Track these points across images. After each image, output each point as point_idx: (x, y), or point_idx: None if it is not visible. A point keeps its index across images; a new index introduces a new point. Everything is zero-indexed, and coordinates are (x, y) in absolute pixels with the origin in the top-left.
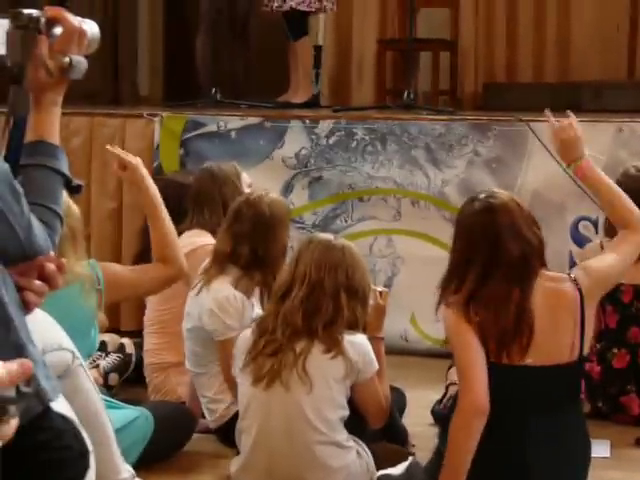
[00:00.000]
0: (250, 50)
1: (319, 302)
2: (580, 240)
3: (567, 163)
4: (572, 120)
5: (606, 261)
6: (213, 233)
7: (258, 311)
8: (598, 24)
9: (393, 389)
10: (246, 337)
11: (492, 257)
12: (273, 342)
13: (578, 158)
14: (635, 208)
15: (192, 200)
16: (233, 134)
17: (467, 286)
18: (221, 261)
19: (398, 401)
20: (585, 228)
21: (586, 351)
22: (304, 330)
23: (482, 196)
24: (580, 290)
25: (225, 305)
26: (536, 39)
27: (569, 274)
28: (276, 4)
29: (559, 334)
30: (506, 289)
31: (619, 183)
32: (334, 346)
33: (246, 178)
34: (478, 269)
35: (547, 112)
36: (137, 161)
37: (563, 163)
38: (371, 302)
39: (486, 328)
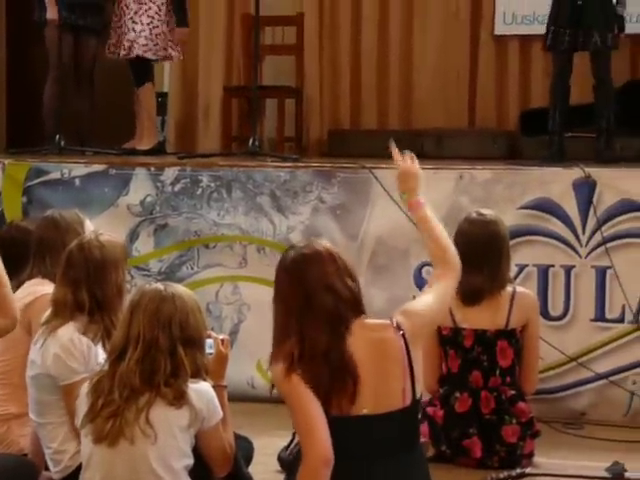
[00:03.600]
0: (95, 97)
1: (157, 361)
2: (424, 285)
3: (403, 191)
4: (413, 157)
5: (424, 302)
6: (55, 282)
7: (104, 356)
8: (439, 74)
9: (239, 437)
10: (85, 393)
11: (304, 309)
12: (110, 404)
13: (413, 192)
14: (453, 249)
15: (34, 248)
16: (77, 182)
17: (289, 338)
18: (63, 310)
19: (244, 449)
20: (428, 273)
21: (419, 394)
22: (144, 390)
23: (297, 246)
24: (404, 335)
25: (70, 348)
26: (380, 87)
27: (391, 320)
28: (123, 51)
29: (389, 382)
30: (321, 341)
31: (461, 229)
32: (179, 397)
33: (89, 225)
34: (294, 321)
35: (391, 142)
36: None
37: (400, 191)
38: (213, 350)
39: (312, 382)
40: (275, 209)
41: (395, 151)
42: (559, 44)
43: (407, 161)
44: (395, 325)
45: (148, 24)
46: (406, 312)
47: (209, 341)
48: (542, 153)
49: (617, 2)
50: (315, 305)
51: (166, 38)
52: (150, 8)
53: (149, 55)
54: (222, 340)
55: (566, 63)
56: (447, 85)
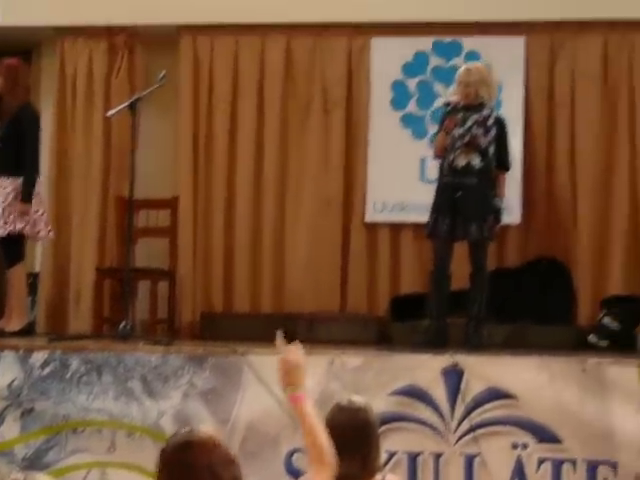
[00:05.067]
0: None
1: None
2: (295, 472)
3: (284, 386)
4: (299, 349)
5: None
6: None
7: None
8: (312, 258)
9: None
10: None
11: None
12: None
13: (296, 386)
14: (328, 446)
15: None
16: None
17: None
18: None
19: None
20: (299, 460)
21: None
22: None
23: (181, 433)
24: None
25: None
26: (253, 271)
27: None
28: None
29: None
30: None
31: (331, 416)
32: None
33: None
34: None
35: (278, 334)
36: None
37: (281, 386)
38: None
39: None
40: (146, 394)
41: (280, 343)
42: (438, 231)
43: (291, 354)
44: None
45: (9, 200)
46: None
47: None
48: (412, 338)
49: (495, 195)
50: None
51: (40, 217)
52: (6, 187)
53: (14, 231)
54: None
55: (446, 250)
56: (319, 270)
